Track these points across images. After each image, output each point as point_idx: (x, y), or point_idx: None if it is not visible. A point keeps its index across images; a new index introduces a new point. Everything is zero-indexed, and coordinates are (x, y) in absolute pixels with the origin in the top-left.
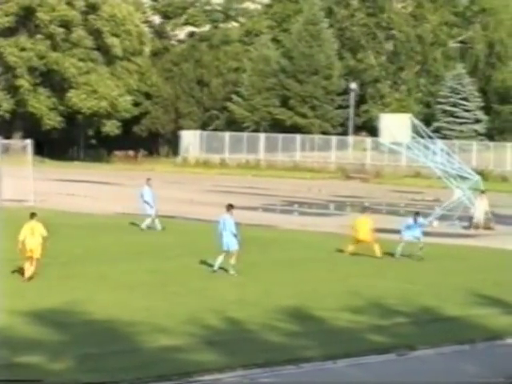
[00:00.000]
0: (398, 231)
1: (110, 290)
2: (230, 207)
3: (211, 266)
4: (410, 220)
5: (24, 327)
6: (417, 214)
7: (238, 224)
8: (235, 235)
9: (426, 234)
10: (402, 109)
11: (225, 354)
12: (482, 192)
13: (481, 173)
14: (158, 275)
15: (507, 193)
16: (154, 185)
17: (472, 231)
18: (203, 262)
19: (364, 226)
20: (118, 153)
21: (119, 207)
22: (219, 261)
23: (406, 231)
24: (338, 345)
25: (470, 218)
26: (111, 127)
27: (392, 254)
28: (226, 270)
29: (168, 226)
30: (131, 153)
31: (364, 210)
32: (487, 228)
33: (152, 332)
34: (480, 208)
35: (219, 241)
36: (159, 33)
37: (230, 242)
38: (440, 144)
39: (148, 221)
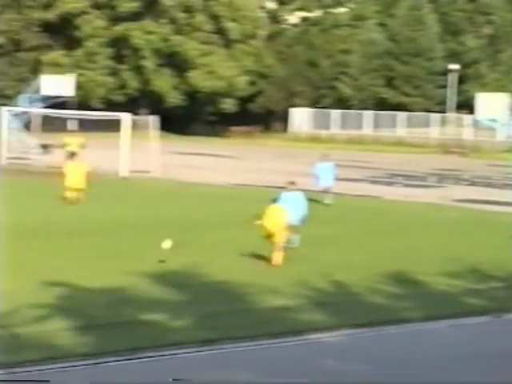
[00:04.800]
0: (495, 203)
1: (223, 254)
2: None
3: None
4: None
5: (147, 287)
6: None
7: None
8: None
9: None
10: (500, 88)
11: (332, 314)
12: None
13: None
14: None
15: None
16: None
17: None
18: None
19: None
20: (234, 128)
21: (237, 178)
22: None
23: None
24: (437, 307)
25: None
26: (229, 105)
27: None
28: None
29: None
30: (247, 128)
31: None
32: None
33: (263, 293)
34: None
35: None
36: (273, 18)
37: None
38: None
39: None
